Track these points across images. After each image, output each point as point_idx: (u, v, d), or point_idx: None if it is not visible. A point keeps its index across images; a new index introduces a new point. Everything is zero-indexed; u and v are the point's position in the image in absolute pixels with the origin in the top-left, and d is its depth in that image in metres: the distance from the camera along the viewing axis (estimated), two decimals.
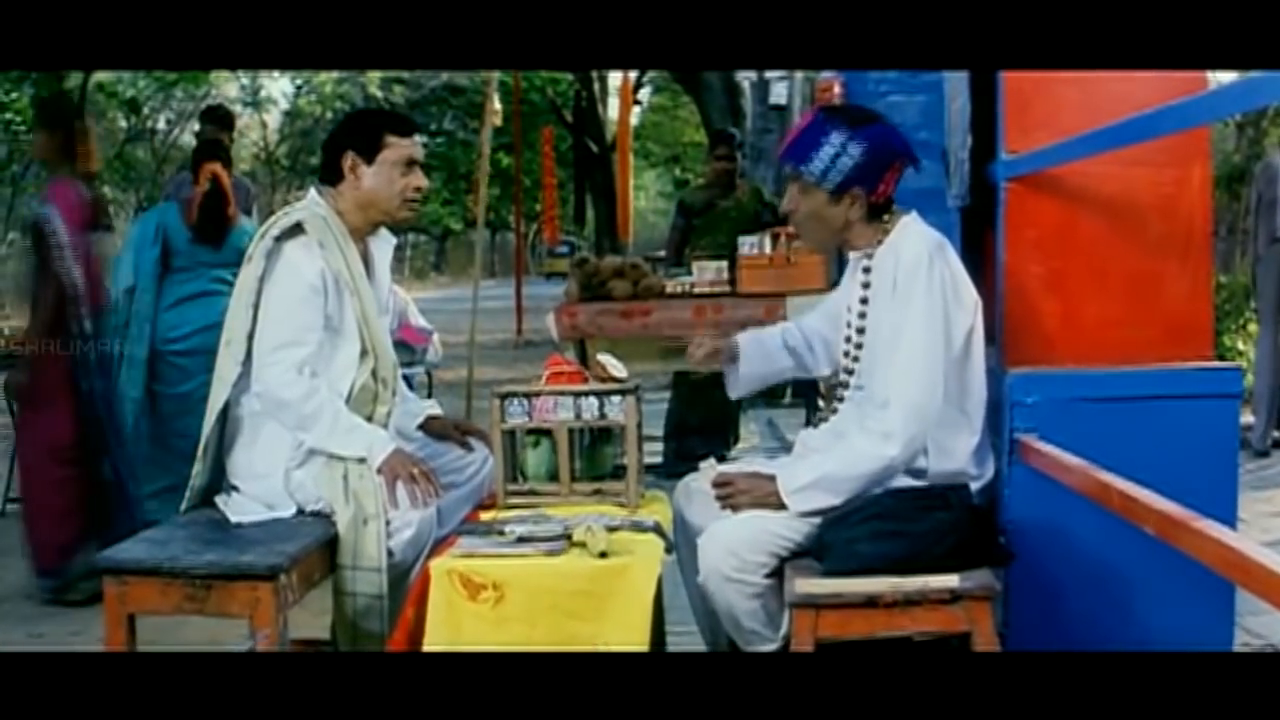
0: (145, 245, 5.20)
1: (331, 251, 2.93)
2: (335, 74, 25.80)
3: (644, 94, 26.19)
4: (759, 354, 3.04)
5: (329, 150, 3.07)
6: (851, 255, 2.85)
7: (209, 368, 3.15)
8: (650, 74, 23.13)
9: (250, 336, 2.93)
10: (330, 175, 3.03)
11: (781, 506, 2.63)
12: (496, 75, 7.29)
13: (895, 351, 2.63)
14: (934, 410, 2.61)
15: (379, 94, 27.99)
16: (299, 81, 30.38)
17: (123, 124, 22.33)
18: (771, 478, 2.68)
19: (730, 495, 2.71)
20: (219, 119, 6.41)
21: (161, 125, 27.45)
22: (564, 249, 27.63)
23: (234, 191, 5.28)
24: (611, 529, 2.66)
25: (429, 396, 6.24)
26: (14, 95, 17.19)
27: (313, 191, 3.08)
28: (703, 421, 6.49)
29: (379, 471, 2.84)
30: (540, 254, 34.94)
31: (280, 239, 2.93)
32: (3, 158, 20.71)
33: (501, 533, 2.68)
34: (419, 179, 3.04)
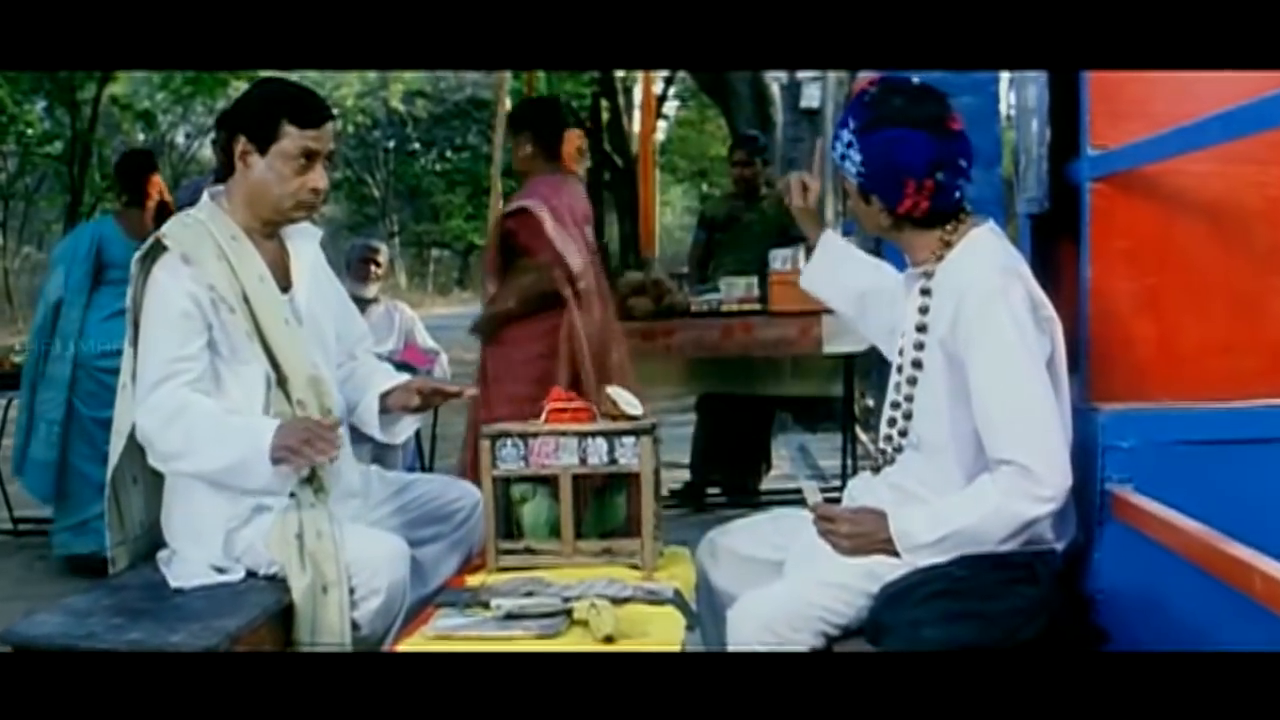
0: (77, 259, 4.95)
1: (203, 265, 2.50)
2: (356, 87, 25.48)
3: (670, 107, 25.75)
4: (843, 252, 2.69)
5: (223, 132, 2.65)
6: (909, 269, 2.40)
7: None
8: (675, 85, 22.72)
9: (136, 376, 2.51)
10: (224, 165, 2.62)
11: (893, 553, 2.20)
12: (508, 76, 6.86)
13: (1005, 401, 2.18)
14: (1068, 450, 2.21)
15: (401, 108, 27.70)
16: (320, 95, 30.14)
17: (140, 137, 22.11)
18: (883, 515, 2.24)
19: (834, 534, 2.26)
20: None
21: (180, 139, 27.24)
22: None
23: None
24: (621, 600, 2.22)
25: (435, 417, 5.84)
26: (25, 107, 16.91)
27: (205, 195, 2.66)
28: (732, 450, 6.05)
29: (275, 463, 2.41)
30: None
31: (143, 261, 2.55)
32: (14, 171, 20.48)
33: (487, 606, 2.23)
34: (317, 178, 2.58)
